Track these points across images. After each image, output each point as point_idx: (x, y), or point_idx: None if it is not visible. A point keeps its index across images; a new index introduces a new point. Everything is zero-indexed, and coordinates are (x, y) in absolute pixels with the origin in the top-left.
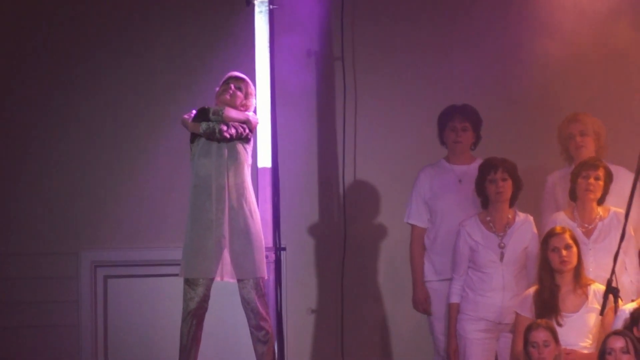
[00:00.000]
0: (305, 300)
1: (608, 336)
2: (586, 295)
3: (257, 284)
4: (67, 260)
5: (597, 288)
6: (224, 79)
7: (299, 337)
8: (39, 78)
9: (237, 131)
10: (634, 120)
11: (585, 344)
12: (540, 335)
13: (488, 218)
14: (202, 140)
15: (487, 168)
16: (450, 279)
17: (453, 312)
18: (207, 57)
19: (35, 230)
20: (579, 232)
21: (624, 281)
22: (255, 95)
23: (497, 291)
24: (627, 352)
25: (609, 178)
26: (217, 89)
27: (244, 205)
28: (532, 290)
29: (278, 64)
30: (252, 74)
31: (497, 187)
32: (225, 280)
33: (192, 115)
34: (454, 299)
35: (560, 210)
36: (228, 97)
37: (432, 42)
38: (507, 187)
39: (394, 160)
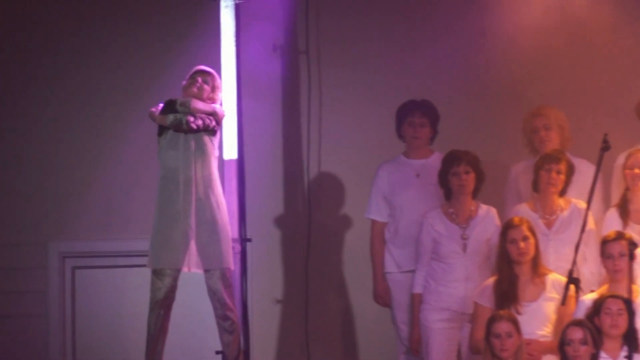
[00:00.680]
0: (270, 290)
1: (567, 327)
2: (544, 285)
3: (224, 275)
4: (35, 251)
5: (555, 278)
6: (191, 73)
7: (265, 326)
8: (5, 71)
9: (204, 122)
10: (597, 113)
11: (544, 332)
12: (503, 327)
13: (451, 210)
14: (170, 132)
15: (450, 161)
16: (414, 270)
17: (416, 302)
18: (174, 50)
19: (3, 221)
20: (540, 223)
21: (585, 272)
22: (222, 88)
23: (460, 282)
24: (586, 343)
25: (570, 171)
26: (184, 82)
27: (211, 196)
28: (491, 280)
29: (244, 57)
30: (218, 68)
31: (460, 179)
32: (192, 270)
33: (159, 108)
34: (417, 290)
35: (523, 201)
36: (195, 90)
37: (396, 36)
38: (470, 180)
39: (359, 153)
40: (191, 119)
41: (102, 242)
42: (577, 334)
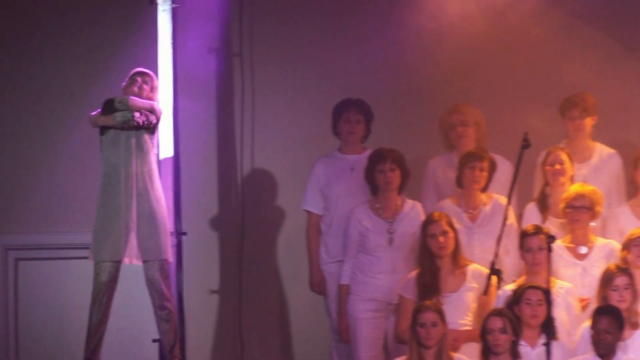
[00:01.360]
0: (205, 281)
1: (488, 316)
2: (464, 276)
3: (162, 266)
4: None
5: (475, 269)
6: (130, 74)
7: (200, 316)
8: None
9: (147, 119)
10: (519, 112)
11: (465, 321)
12: (428, 316)
13: (377, 205)
14: (112, 131)
15: (376, 159)
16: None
17: (343, 293)
18: (114, 52)
19: None
20: (464, 217)
21: (507, 263)
22: (159, 89)
23: (386, 273)
24: (505, 332)
25: (492, 168)
26: (124, 83)
27: (151, 191)
28: (414, 273)
29: (180, 59)
30: (155, 69)
31: (385, 177)
32: (132, 262)
33: (98, 111)
34: (345, 281)
35: (440, 194)
36: (136, 89)
37: (327, 37)
38: (396, 177)
39: (290, 150)
40: (136, 114)
41: (45, 234)
42: (497, 323)
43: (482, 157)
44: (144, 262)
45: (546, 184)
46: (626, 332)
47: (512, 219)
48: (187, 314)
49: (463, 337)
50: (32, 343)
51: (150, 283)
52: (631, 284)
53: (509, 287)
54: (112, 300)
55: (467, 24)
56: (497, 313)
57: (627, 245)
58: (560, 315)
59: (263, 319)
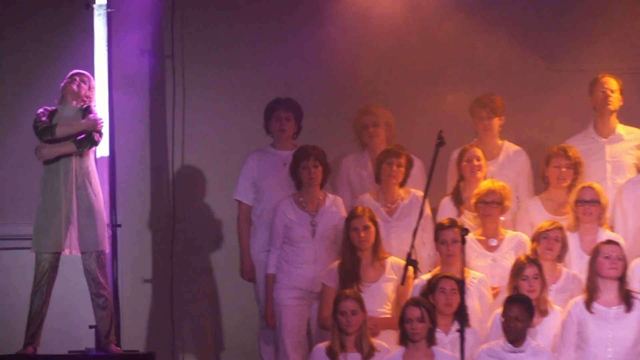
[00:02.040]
0: (139, 271)
1: (406, 306)
2: (384, 268)
3: (99, 257)
4: None
5: (394, 261)
6: (69, 74)
7: (134, 303)
8: None
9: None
10: (434, 112)
11: (384, 309)
12: (348, 305)
13: (301, 199)
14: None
15: (300, 156)
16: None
17: (269, 282)
18: (51, 54)
19: None
20: (382, 211)
21: (423, 254)
22: (95, 89)
23: (309, 263)
24: (423, 320)
25: (409, 164)
26: (62, 83)
27: (89, 186)
28: (336, 263)
29: (116, 61)
30: (92, 70)
31: (309, 173)
32: (72, 253)
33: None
34: (271, 270)
35: (353, 189)
36: (75, 87)
37: (256, 39)
38: (318, 173)
39: (220, 147)
40: (96, 136)
41: None
42: (415, 313)
43: (399, 153)
44: (83, 253)
45: (460, 179)
46: (535, 319)
47: (428, 211)
48: (122, 301)
49: (382, 324)
50: None
51: (88, 273)
52: (540, 274)
53: (425, 277)
54: (52, 288)
55: (388, 29)
56: (415, 303)
57: (536, 238)
58: (473, 303)
59: (194, 306)
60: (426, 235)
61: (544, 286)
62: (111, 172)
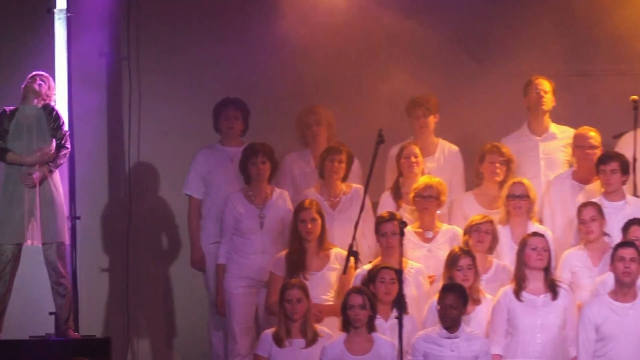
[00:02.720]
0: (96, 261)
1: (349, 293)
2: (328, 258)
3: (59, 247)
4: None
5: (338, 252)
6: (30, 75)
7: (92, 291)
8: None
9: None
10: (374, 111)
11: (327, 297)
12: (294, 293)
13: (250, 193)
14: (12, 126)
15: (250, 152)
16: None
17: (220, 271)
18: (13, 56)
19: None
20: (326, 205)
21: (363, 246)
22: (55, 89)
23: (257, 254)
24: (364, 307)
25: (350, 160)
26: (24, 84)
27: (50, 180)
28: (284, 252)
29: (75, 62)
30: (53, 71)
31: (257, 169)
32: (34, 244)
33: None
34: (222, 260)
35: (296, 185)
36: (36, 86)
37: (206, 43)
38: (266, 169)
39: (173, 143)
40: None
41: None
42: (357, 300)
43: (341, 150)
44: (43, 244)
45: (400, 175)
46: (469, 307)
47: (368, 205)
48: (80, 289)
49: (326, 311)
50: None
51: (48, 262)
52: (473, 265)
53: (366, 267)
54: (14, 277)
55: (330, 33)
56: (357, 291)
57: (468, 230)
58: (410, 292)
59: (148, 294)
60: (367, 227)
61: (476, 276)
62: (71, 167)
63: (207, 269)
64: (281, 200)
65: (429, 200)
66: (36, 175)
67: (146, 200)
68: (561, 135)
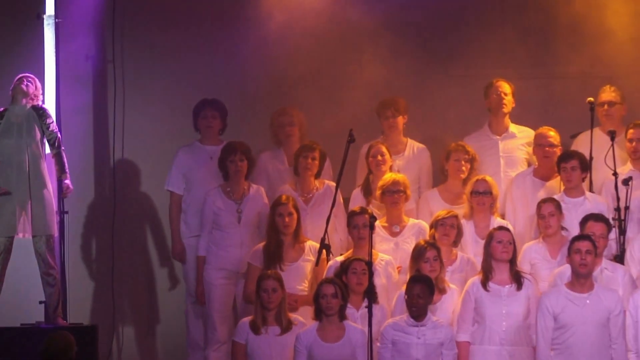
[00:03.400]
0: (83, 252)
1: (321, 283)
2: (303, 250)
3: (48, 240)
4: None
5: (312, 244)
6: (17, 77)
7: (79, 281)
8: None
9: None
10: (345, 112)
11: (302, 287)
12: (269, 283)
13: (228, 189)
14: (3, 124)
15: (228, 150)
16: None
17: (200, 263)
18: (5, 61)
19: None
20: (300, 200)
21: (335, 239)
22: (42, 90)
23: (235, 247)
24: (336, 297)
25: (323, 158)
26: (12, 86)
27: (39, 176)
28: (261, 245)
29: (63, 64)
30: (42, 73)
31: (236, 166)
32: (25, 237)
33: None
34: (201, 253)
35: (270, 181)
36: (24, 87)
37: (187, 47)
38: (244, 166)
39: (155, 141)
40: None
41: None
42: (329, 289)
43: (314, 148)
44: (34, 236)
45: (369, 172)
46: (435, 297)
47: (340, 201)
48: (69, 280)
49: (301, 301)
50: None
51: (38, 254)
52: (439, 256)
53: (338, 259)
54: (6, 269)
55: (302, 42)
56: (329, 281)
57: (434, 225)
58: (380, 282)
59: (132, 284)
60: (338, 222)
61: (442, 267)
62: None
63: (186, 261)
64: (258, 195)
65: (397, 194)
66: (65, 184)
67: (130, 196)
68: (520, 134)
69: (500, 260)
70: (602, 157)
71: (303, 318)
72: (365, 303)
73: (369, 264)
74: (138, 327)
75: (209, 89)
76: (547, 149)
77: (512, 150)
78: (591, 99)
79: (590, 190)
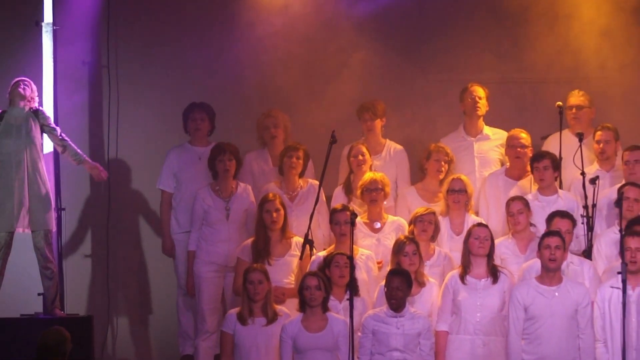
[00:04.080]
0: (80, 247)
1: (305, 276)
2: (290, 245)
3: (47, 235)
4: None
5: (298, 240)
6: (14, 81)
7: (76, 275)
8: None
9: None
10: (329, 113)
11: (289, 280)
12: (255, 276)
13: (217, 187)
14: (2, 124)
15: (217, 151)
16: (189, 232)
17: (191, 257)
18: (3, 65)
19: None
20: (285, 197)
21: (318, 235)
22: (37, 93)
23: (224, 242)
24: (320, 289)
25: (307, 158)
26: (9, 90)
27: (37, 174)
28: (250, 240)
29: (60, 70)
30: (41, 78)
31: (224, 165)
32: (24, 232)
33: None
34: (192, 248)
35: (255, 180)
36: (21, 90)
37: (178, 53)
38: (232, 165)
39: (148, 142)
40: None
41: None
42: (313, 281)
43: (298, 148)
44: (33, 231)
45: (351, 172)
46: (414, 289)
47: (323, 198)
48: (66, 273)
49: (288, 294)
50: None
51: (37, 248)
52: (418, 251)
53: (321, 254)
54: (7, 262)
55: (289, 46)
56: (312, 274)
57: (412, 221)
58: (361, 276)
59: (126, 277)
60: (321, 218)
61: (421, 261)
62: (56, 163)
63: (176, 255)
64: (245, 193)
65: (376, 192)
66: (90, 167)
67: (124, 193)
68: (494, 136)
69: (477, 255)
70: (571, 157)
71: (289, 310)
72: (347, 295)
73: (351, 258)
74: (132, 317)
75: (199, 92)
76: (518, 149)
77: (486, 151)
78: (560, 103)
79: (560, 188)
